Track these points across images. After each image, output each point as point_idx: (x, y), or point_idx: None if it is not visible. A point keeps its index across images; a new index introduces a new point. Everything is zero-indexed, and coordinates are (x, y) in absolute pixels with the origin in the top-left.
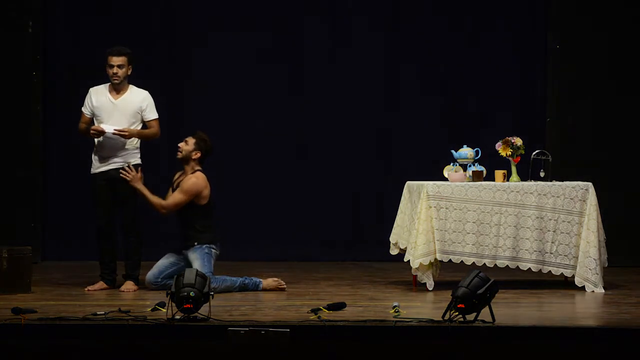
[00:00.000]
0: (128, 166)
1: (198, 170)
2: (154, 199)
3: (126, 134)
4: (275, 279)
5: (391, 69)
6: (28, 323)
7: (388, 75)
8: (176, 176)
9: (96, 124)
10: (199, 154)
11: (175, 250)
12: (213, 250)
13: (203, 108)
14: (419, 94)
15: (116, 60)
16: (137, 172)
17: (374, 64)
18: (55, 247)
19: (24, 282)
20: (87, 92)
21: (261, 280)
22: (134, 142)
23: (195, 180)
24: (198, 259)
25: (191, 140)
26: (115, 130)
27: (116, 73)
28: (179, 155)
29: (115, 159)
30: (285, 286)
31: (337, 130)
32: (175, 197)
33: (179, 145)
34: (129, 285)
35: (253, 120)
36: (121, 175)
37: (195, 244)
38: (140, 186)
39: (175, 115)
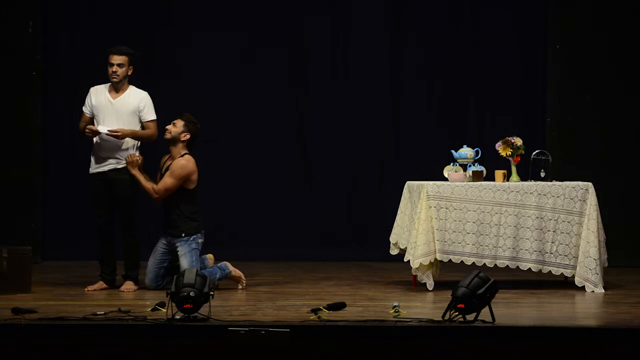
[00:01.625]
0: (135, 154)
1: (186, 153)
2: (147, 185)
3: (119, 134)
4: (242, 277)
5: (392, 68)
6: (28, 323)
7: (389, 75)
8: (163, 160)
9: (95, 123)
10: (188, 136)
11: (160, 239)
12: (200, 241)
13: (204, 107)
14: (419, 93)
15: (117, 59)
16: (134, 155)
17: (376, 63)
18: (55, 247)
19: (24, 282)
20: (87, 91)
21: (231, 269)
22: (132, 142)
23: (185, 163)
24: (187, 257)
25: (179, 122)
26: (108, 130)
27: (115, 72)
28: (167, 136)
29: (112, 160)
30: (242, 287)
31: (337, 129)
32: (165, 182)
33: (167, 127)
34: (128, 285)
35: (253, 119)
36: (126, 159)
37: (183, 235)
38: (135, 172)
39: (174, 115)
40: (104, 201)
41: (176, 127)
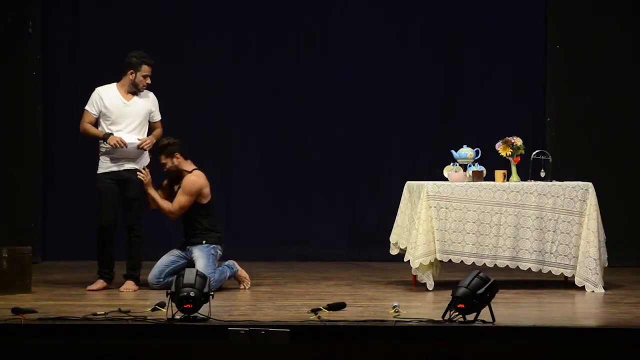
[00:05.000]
0: (144, 168)
1: (194, 169)
2: (164, 204)
3: (148, 142)
4: (247, 278)
5: (392, 69)
6: (28, 323)
7: (389, 75)
8: (166, 182)
9: (104, 125)
10: (178, 156)
11: (179, 247)
12: (218, 252)
13: (203, 108)
14: (419, 93)
15: (150, 70)
16: (146, 172)
17: (375, 63)
18: (55, 247)
19: (24, 282)
20: (87, 91)
21: (238, 268)
22: None
23: (195, 178)
24: (203, 258)
25: (163, 158)
26: (140, 142)
27: (148, 83)
28: (168, 170)
29: (128, 160)
30: (245, 288)
31: (337, 129)
32: (179, 200)
33: (165, 169)
34: (129, 285)
35: (253, 121)
36: (138, 176)
37: (204, 242)
38: (152, 191)
39: (177, 115)
40: (112, 201)
41: (167, 162)
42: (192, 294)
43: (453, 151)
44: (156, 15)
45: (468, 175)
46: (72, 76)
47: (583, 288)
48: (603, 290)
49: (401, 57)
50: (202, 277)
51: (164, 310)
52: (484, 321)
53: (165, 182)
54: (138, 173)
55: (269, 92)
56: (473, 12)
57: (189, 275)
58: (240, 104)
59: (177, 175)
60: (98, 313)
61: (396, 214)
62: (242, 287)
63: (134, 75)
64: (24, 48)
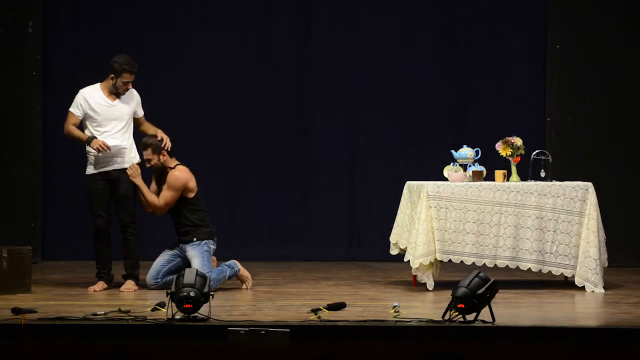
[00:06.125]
0: (134, 164)
1: (178, 164)
2: (150, 197)
3: (168, 142)
4: (249, 277)
5: (391, 70)
6: (28, 323)
7: (388, 75)
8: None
9: (90, 127)
10: (164, 153)
11: (172, 246)
12: (211, 247)
13: (203, 107)
14: (419, 93)
15: (132, 77)
16: (136, 167)
17: (375, 62)
18: (55, 247)
19: (24, 282)
20: None
21: (239, 267)
22: (131, 141)
23: (178, 173)
24: (198, 257)
25: (149, 153)
26: (163, 143)
27: (129, 89)
28: (155, 168)
29: (116, 160)
30: (247, 288)
31: (337, 129)
32: (164, 196)
33: (148, 165)
34: (129, 285)
35: (252, 120)
36: (127, 171)
37: (194, 239)
38: (140, 182)
39: (176, 114)
40: (105, 201)
41: (152, 158)
42: (192, 294)
43: (453, 151)
44: (156, 15)
45: (468, 175)
46: (72, 76)
47: (583, 288)
48: (603, 290)
49: (401, 57)
50: (202, 277)
51: (164, 310)
52: (484, 321)
53: (152, 184)
54: (128, 168)
55: (269, 92)
56: (473, 13)
57: (189, 275)
58: (240, 103)
59: (161, 172)
60: (98, 313)
61: (396, 214)
62: (244, 287)
63: (114, 80)
64: (24, 48)
